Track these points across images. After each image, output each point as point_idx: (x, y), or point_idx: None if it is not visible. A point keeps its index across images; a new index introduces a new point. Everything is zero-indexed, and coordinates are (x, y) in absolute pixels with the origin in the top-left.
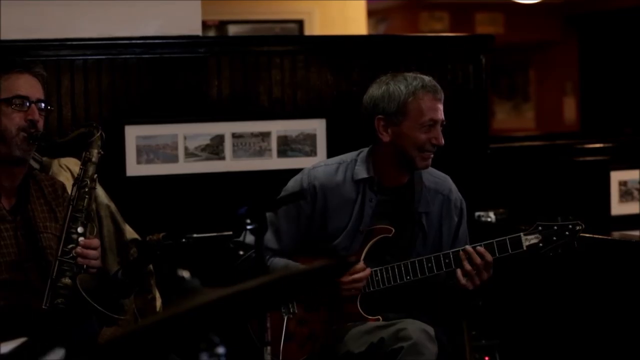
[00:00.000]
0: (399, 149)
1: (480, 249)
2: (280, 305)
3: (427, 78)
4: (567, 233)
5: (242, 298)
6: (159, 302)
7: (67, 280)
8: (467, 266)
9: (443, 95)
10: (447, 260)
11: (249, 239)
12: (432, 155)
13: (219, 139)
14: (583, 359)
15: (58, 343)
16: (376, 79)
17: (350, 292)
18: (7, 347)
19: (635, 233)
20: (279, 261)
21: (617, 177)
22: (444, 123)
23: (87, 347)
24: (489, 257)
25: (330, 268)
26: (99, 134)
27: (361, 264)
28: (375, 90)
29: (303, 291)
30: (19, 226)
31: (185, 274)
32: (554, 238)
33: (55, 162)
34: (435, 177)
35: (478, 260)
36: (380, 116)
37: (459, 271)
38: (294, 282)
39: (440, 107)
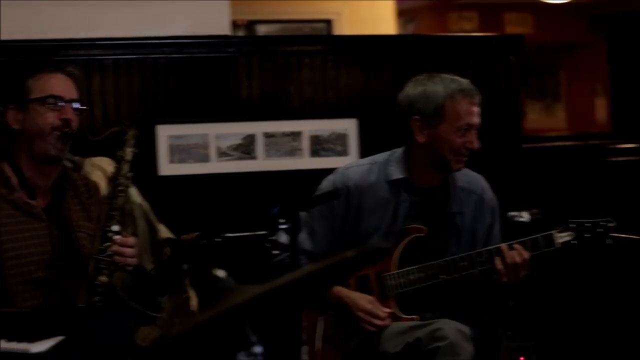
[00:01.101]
0: (434, 150)
1: (517, 246)
2: (315, 301)
3: (464, 81)
4: (599, 230)
5: (278, 293)
6: (194, 301)
7: (103, 279)
8: (502, 264)
9: (479, 99)
10: (481, 259)
11: (283, 238)
12: (466, 158)
13: (250, 139)
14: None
15: (94, 341)
16: (412, 79)
17: (365, 324)
18: (43, 345)
19: None
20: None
21: None
22: (479, 126)
23: (123, 345)
24: (525, 254)
25: (362, 255)
26: (132, 132)
27: (386, 311)
28: (412, 90)
29: (337, 281)
30: (54, 225)
31: (221, 273)
32: (587, 235)
33: (88, 161)
34: (468, 177)
35: (513, 257)
36: (416, 117)
37: (496, 265)
38: (328, 273)
39: (477, 110)
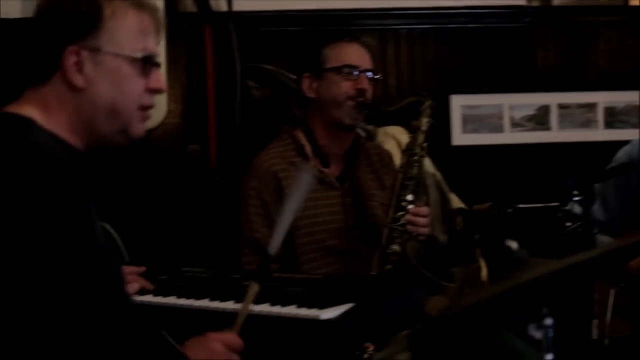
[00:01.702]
0: None
1: None
2: (609, 277)
3: None
4: None
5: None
6: (484, 272)
7: (396, 248)
8: None
9: None
10: None
11: (577, 209)
12: None
13: (545, 110)
14: None
15: (385, 309)
16: None
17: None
18: (333, 312)
19: None
20: (605, 239)
21: None
22: None
23: (414, 314)
24: None
25: None
26: (428, 103)
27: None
28: None
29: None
30: (347, 194)
31: (513, 244)
32: None
33: (381, 130)
34: None
35: None
36: None
37: None
38: (632, 250)
39: None
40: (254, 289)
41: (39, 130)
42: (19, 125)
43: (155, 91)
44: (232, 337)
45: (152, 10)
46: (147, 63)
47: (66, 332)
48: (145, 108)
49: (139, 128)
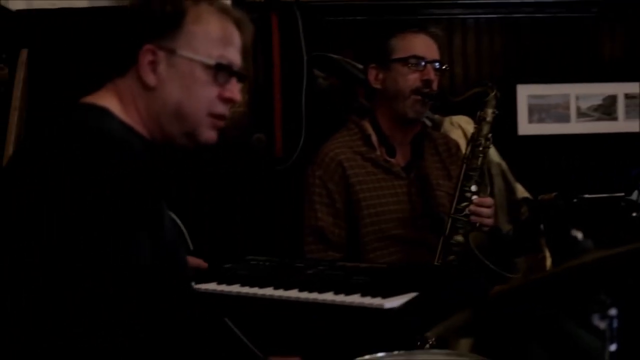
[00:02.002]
0: None
1: None
2: None
3: None
4: None
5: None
6: (549, 262)
7: (459, 238)
8: None
9: None
10: None
11: None
12: None
13: (611, 100)
14: None
15: (447, 299)
16: None
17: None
18: (396, 301)
19: None
20: None
21: None
22: None
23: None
24: None
25: None
26: (493, 94)
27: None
28: None
29: None
30: (413, 183)
31: (578, 234)
32: None
33: (447, 119)
34: None
35: None
36: None
37: None
38: None
39: None
40: None
41: (114, 120)
42: (96, 114)
43: (228, 100)
44: None
45: (241, 22)
46: (222, 71)
47: (135, 324)
48: (216, 116)
49: (208, 134)
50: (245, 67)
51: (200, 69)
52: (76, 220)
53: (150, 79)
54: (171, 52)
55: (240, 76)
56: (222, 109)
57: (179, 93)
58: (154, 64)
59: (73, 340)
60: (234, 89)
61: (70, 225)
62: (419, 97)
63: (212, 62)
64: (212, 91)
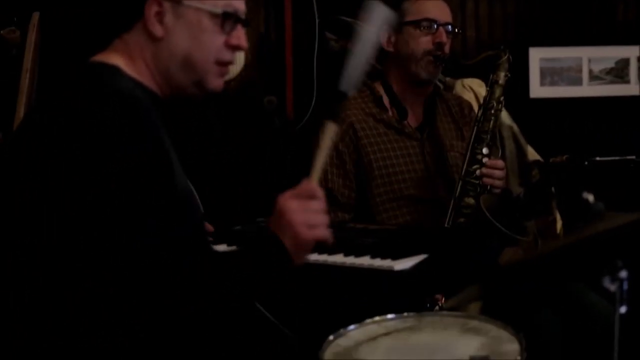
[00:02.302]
0: None
1: None
2: None
3: None
4: None
5: None
6: (559, 225)
7: (470, 200)
8: None
9: None
10: None
11: None
12: None
13: (624, 63)
14: None
15: (457, 262)
16: None
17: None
18: (406, 263)
19: None
20: None
21: None
22: None
23: (487, 267)
24: None
25: None
26: (506, 57)
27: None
28: None
29: None
30: (426, 144)
31: (589, 197)
32: None
33: (459, 82)
34: None
35: None
36: None
37: None
38: None
39: None
40: (331, 128)
41: (123, 77)
42: (105, 72)
43: (235, 47)
44: (304, 187)
45: None
46: (228, 19)
47: (144, 275)
48: (224, 63)
49: (216, 82)
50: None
51: (207, 18)
52: (88, 180)
53: (158, 30)
54: (177, 2)
55: (245, 22)
56: (229, 56)
57: (186, 42)
58: (160, 15)
59: (80, 315)
60: (241, 36)
61: (83, 185)
62: (432, 58)
63: (218, 10)
64: (219, 39)
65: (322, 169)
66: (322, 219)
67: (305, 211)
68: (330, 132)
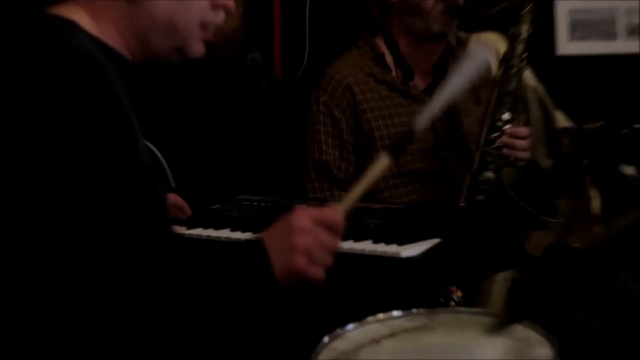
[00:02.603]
0: None
1: None
2: None
3: None
4: None
5: None
6: (596, 203)
7: (490, 174)
8: None
9: None
10: None
11: None
12: None
13: None
14: None
15: (475, 247)
16: None
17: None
18: (415, 249)
19: None
20: None
21: None
22: None
23: (511, 253)
24: None
25: None
26: (529, 8)
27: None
28: None
29: None
30: None
31: (629, 170)
32: None
33: (474, 37)
34: None
35: None
36: None
37: None
38: None
39: None
40: (383, 161)
41: (81, 34)
42: (60, 26)
43: (222, 7)
44: (327, 214)
45: None
46: None
47: (97, 248)
48: (208, 26)
49: (197, 47)
50: None
51: None
52: (44, 140)
53: None
54: None
55: None
56: (214, 17)
57: (169, 4)
58: None
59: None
60: None
61: (38, 146)
62: (444, 7)
63: None
64: None
65: (356, 201)
66: (327, 259)
67: (315, 240)
68: (381, 165)
